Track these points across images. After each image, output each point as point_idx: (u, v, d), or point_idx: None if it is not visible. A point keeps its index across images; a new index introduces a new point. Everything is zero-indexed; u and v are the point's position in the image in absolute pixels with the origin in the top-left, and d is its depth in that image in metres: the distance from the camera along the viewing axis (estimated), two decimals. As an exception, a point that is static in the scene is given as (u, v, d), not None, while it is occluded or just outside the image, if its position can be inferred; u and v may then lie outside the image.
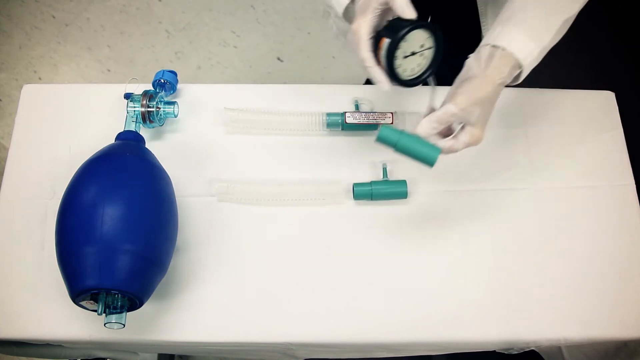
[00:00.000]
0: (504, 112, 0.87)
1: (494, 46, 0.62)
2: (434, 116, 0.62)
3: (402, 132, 0.65)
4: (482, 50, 0.63)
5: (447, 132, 0.65)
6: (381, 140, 0.65)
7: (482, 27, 0.91)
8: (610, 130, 0.86)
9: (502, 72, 0.62)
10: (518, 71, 0.64)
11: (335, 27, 0.95)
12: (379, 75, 0.61)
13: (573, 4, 0.65)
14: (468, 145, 0.63)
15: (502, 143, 0.85)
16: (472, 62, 0.63)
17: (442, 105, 0.62)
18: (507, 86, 0.64)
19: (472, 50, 0.65)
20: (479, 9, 0.88)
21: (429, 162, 0.65)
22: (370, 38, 0.60)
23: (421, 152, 0.64)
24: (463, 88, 0.62)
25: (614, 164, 0.84)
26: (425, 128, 0.62)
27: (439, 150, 0.65)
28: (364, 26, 0.60)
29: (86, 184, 0.67)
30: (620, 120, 0.87)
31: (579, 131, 0.86)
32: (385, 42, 0.60)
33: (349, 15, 0.67)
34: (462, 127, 0.64)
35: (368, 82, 1.03)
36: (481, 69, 0.62)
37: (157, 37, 1.81)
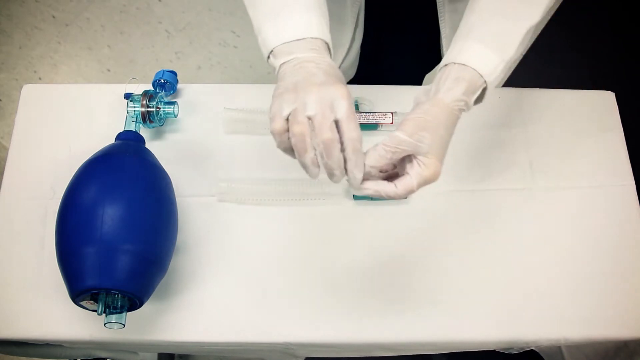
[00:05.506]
0: (504, 112, 0.87)
1: (453, 64, 0.56)
2: (380, 144, 0.54)
3: None
4: (441, 70, 0.58)
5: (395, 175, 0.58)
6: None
7: (443, 43, 0.89)
8: (610, 130, 0.86)
9: (454, 93, 0.55)
10: (479, 90, 0.57)
11: None
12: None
13: (535, 10, 0.58)
14: (424, 179, 0.54)
15: (502, 143, 0.85)
16: (428, 86, 0.58)
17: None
18: (473, 103, 0.58)
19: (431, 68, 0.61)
20: (440, 22, 0.86)
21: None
22: None
23: None
24: (411, 114, 0.56)
25: (614, 164, 0.84)
26: (373, 157, 0.54)
27: None
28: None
29: (86, 184, 0.67)
30: (620, 120, 0.87)
31: (579, 131, 0.86)
32: None
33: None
34: (414, 160, 0.55)
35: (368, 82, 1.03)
36: (432, 91, 0.57)
37: (157, 37, 1.81)
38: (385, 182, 0.55)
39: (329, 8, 0.60)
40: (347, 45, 0.91)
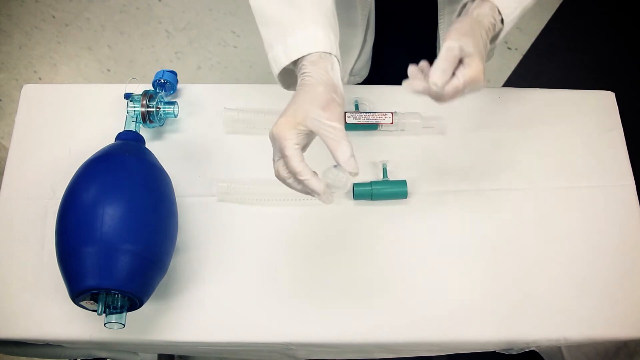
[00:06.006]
0: (504, 112, 0.87)
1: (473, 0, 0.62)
2: (438, 61, 0.58)
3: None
4: (467, 6, 0.63)
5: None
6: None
7: (440, 44, 0.90)
8: (610, 130, 0.86)
9: (485, 14, 0.61)
10: (499, 25, 0.63)
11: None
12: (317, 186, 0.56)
13: None
14: (470, 77, 0.58)
15: (502, 143, 0.85)
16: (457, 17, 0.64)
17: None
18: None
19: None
20: (439, 23, 0.87)
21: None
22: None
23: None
24: (451, 26, 0.61)
25: (614, 164, 0.84)
26: (438, 75, 0.57)
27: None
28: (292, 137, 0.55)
29: (86, 184, 0.67)
30: (620, 120, 0.87)
31: (579, 131, 0.86)
32: None
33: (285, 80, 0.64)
34: (459, 65, 0.59)
35: (367, 81, 1.03)
36: (464, 15, 0.63)
37: (157, 37, 1.81)
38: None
39: (338, 13, 0.63)
40: (358, 47, 0.93)
